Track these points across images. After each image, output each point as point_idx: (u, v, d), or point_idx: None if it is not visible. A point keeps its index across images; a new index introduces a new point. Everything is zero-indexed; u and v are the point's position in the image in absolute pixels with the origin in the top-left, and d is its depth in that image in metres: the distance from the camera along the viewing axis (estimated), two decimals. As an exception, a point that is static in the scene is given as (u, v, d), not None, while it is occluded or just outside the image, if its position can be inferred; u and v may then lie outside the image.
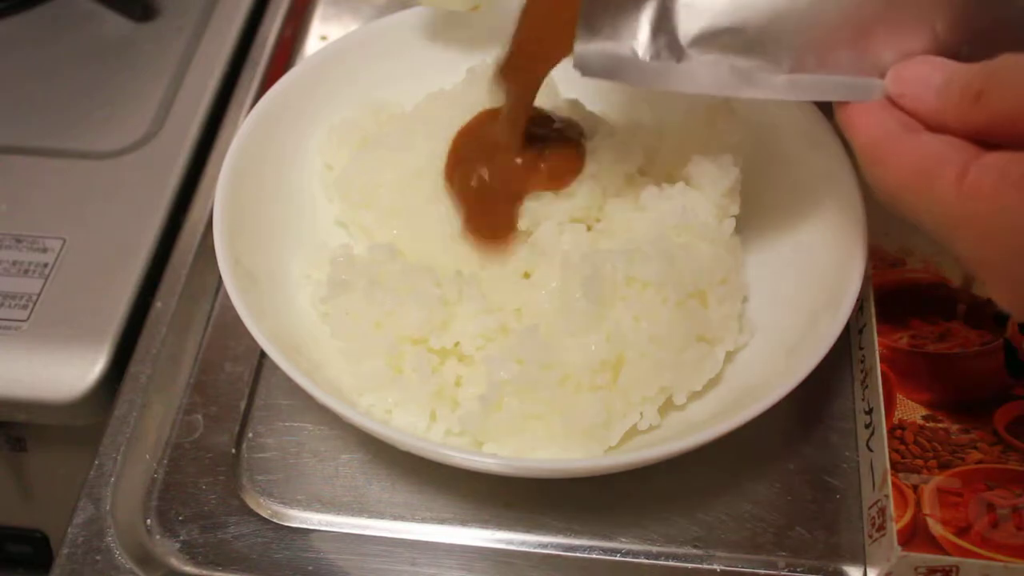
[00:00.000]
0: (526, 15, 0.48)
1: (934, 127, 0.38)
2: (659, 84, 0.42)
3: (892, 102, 0.40)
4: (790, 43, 0.41)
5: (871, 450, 0.47)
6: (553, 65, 0.49)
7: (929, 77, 0.39)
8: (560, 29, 0.45)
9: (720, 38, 0.41)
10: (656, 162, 0.54)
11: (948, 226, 0.37)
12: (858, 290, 0.47)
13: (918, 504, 0.43)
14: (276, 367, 0.45)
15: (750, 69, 0.41)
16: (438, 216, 0.52)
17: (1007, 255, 0.35)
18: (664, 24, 0.41)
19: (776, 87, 0.41)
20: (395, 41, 0.59)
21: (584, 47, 0.41)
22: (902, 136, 0.38)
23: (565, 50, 0.44)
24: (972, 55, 0.38)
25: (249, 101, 0.66)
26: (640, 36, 0.41)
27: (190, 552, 0.47)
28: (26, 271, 0.57)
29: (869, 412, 0.48)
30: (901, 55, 0.40)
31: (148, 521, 0.48)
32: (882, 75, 0.41)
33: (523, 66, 0.50)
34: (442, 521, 0.48)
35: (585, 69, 0.41)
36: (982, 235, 0.35)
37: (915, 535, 0.42)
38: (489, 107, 0.54)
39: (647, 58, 0.41)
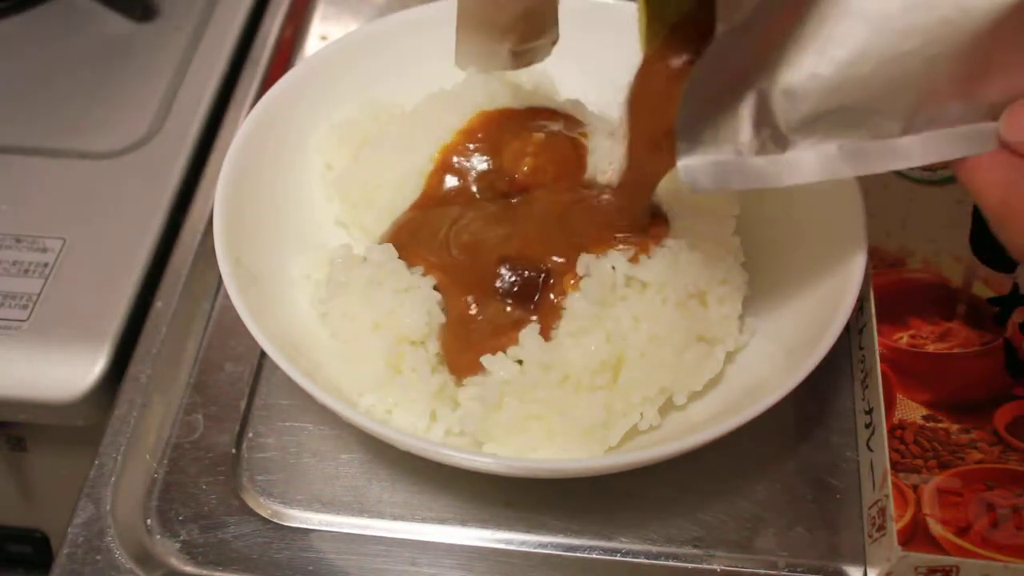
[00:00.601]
0: (628, 134, 0.47)
1: None
2: (770, 181, 0.39)
3: (1012, 151, 0.37)
4: (896, 109, 0.39)
5: (871, 450, 0.47)
6: (657, 183, 0.48)
7: None
8: (659, 145, 0.44)
9: (825, 119, 0.39)
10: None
11: None
12: (858, 290, 0.47)
13: (918, 504, 0.43)
14: (276, 367, 0.45)
15: (860, 145, 0.39)
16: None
17: None
18: (765, 117, 0.39)
19: (888, 158, 0.39)
20: (395, 41, 0.59)
21: (688, 161, 0.39)
22: None
23: (668, 166, 0.43)
24: None
25: (249, 101, 0.66)
26: (742, 136, 0.39)
27: (190, 552, 0.47)
28: (26, 271, 0.57)
29: (869, 412, 0.48)
30: (1010, 93, 0.38)
31: (148, 521, 0.48)
32: (995, 116, 0.38)
33: (630, 191, 0.49)
34: (442, 521, 0.48)
35: (695, 184, 0.39)
36: None
37: (915, 535, 0.42)
38: (486, 109, 0.54)
39: (752, 155, 0.39)
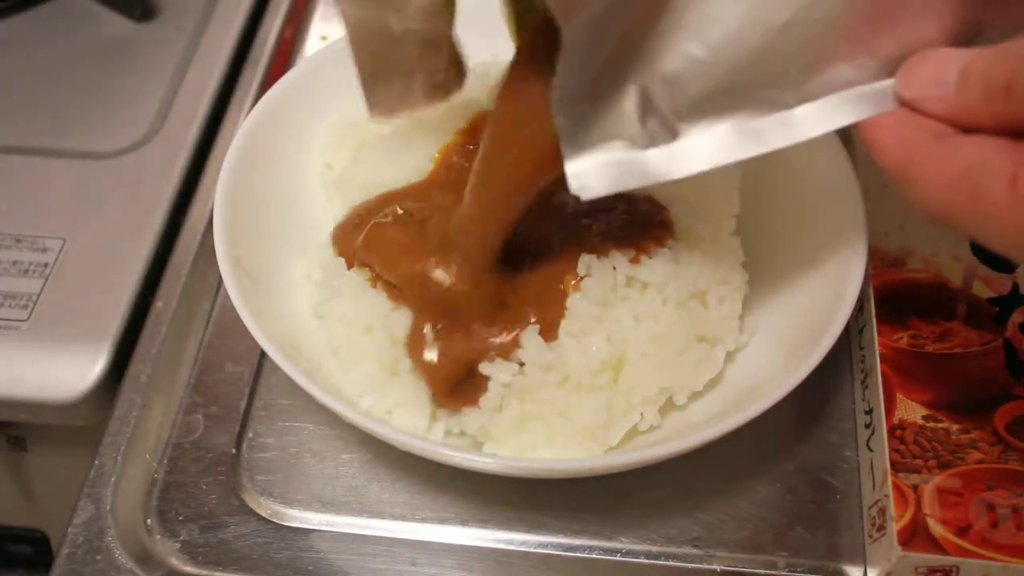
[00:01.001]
0: (491, 144, 0.44)
1: (966, 126, 0.34)
2: (665, 174, 0.38)
3: (912, 108, 0.36)
4: (786, 79, 0.37)
5: (871, 450, 0.47)
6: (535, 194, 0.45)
7: (943, 74, 0.35)
8: (540, 151, 0.42)
9: (712, 100, 0.37)
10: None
11: (1008, 237, 0.33)
12: (858, 290, 0.47)
13: (918, 504, 0.43)
14: (276, 367, 0.45)
15: (753, 122, 0.38)
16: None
17: None
18: (649, 108, 0.37)
19: (785, 131, 0.38)
20: (395, 41, 0.59)
21: (575, 166, 0.37)
22: (934, 148, 0.34)
23: (553, 171, 0.40)
24: (987, 36, 0.35)
25: (249, 101, 0.66)
26: (628, 129, 0.37)
27: (190, 552, 0.47)
28: (26, 271, 0.57)
29: (869, 412, 0.48)
30: (904, 46, 0.36)
31: (148, 521, 0.48)
32: (891, 73, 0.37)
33: (502, 201, 0.45)
34: (442, 521, 0.48)
35: (585, 190, 0.37)
36: None
37: (915, 535, 0.42)
38: (487, 109, 0.54)
39: (643, 147, 0.37)
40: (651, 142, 0.38)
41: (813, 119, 0.38)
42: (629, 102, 0.37)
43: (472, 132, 0.53)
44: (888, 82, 0.37)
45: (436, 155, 0.53)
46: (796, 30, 0.36)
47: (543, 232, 0.49)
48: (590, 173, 0.38)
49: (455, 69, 0.49)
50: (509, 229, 0.46)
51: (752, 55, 0.36)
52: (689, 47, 0.36)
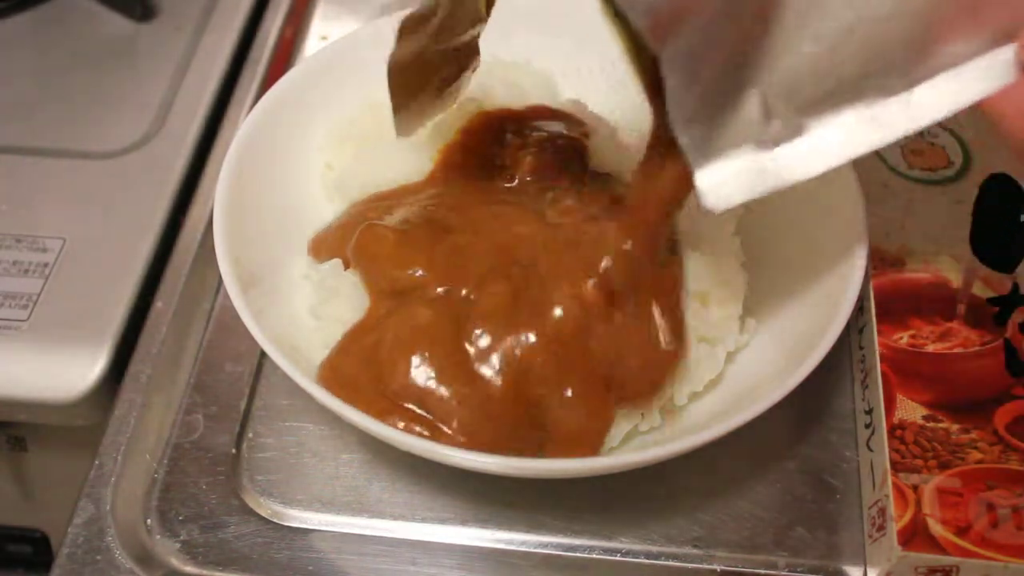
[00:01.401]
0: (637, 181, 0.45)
1: None
2: (801, 173, 0.37)
3: None
4: (896, 61, 0.36)
5: (871, 450, 0.47)
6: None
7: None
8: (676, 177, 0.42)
9: (831, 95, 0.37)
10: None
11: None
12: (858, 290, 0.47)
13: (918, 504, 0.43)
14: (276, 367, 0.45)
15: (874, 109, 0.37)
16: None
17: None
18: (770, 111, 0.37)
19: (907, 115, 0.37)
20: (395, 41, 0.59)
21: (707, 178, 0.36)
22: None
23: (687, 190, 0.41)
24: None
25: (249, 101, 0.66)
26: (753, 134, 0.36)
27: (190, 552, 0.47)
28: (26, 271, 0.57)
29: (869, 412, 0.48)
30: (1019, 15, 0.35)
31: (148, 521, 0.48)
32: (1009, 37, 0.35)
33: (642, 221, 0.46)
34: (442, 521, 0.48)
35: (722, 200, 0.37)
36: None
37: (915, 535, 0.42)
38: (487, 109, 0.54)
39: (771, 147, 0.37)
40: (778, 142, 0.37)
41: (931, 99, 0.37)
42: (750, 109, 0.37)
43: (471, 131, 0.53)
44: (1006, 50, 0.35)
45: (436, 155, 0.53)
46: (909, 9, 0.35)
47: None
48: (724, 184, 0.37)
49: (469, 70, 0.49)
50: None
51: (866, 43, 0.36)
52: (802, 44, 0.36)
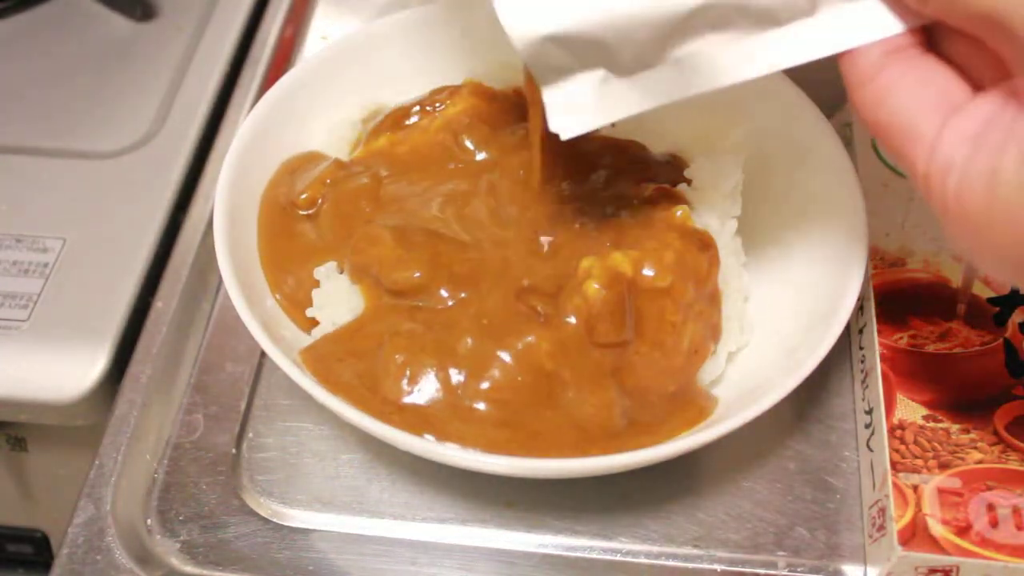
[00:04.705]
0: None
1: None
2: (662, 95, 0.38)
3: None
4: None
5: (871, 450, 0.47)
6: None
7: None
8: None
9: (688, 29, 0.36)
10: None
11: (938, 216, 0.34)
12: (858, 290, 0.47)
13: (918, 504, 0.43)
14: (276, 367, 0.45)
15: (742, 42, 0.37)
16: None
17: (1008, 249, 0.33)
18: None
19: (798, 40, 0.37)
20: (395, 41, 0.59)
21: (552, 97, 0.37)
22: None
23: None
24: None
25: (249, 101, 0.66)
26: (604, 63, 0.36)
27: (190, 552, 0.47)
28: (26, 271, 0.57)
29: (869, 412, 0.48)
30: None
31: (148, 521, 0.48)
32: None
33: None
34: (442, 521, 0.48)
35: (565, 130, 0.37)
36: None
37: (915, 535, 0.42)
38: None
39: (633, 69, 0.37)
40: (638, 65, 0.37)
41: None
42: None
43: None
44: None
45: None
46: None
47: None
48: (569, 99, 0.37)
49: None
50: None
51: None
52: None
